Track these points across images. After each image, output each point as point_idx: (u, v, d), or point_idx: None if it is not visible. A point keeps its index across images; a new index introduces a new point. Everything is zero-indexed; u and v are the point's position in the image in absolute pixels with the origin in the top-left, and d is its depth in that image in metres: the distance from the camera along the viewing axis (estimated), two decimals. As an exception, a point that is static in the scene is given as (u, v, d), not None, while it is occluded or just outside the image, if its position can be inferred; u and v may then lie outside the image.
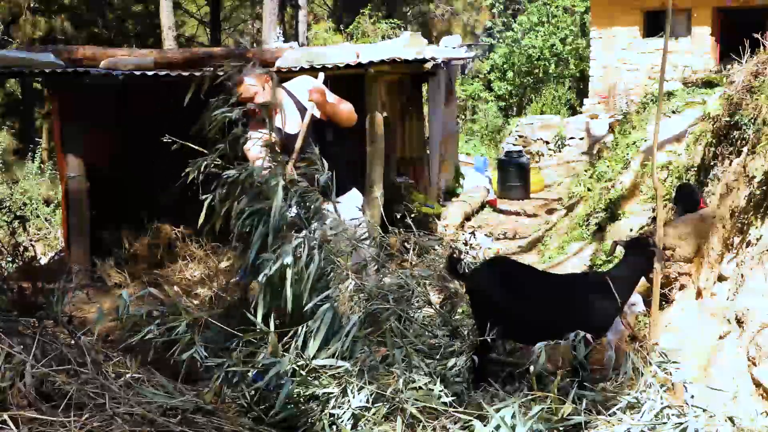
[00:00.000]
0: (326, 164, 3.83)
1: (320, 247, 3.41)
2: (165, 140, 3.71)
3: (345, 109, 4.31)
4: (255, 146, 3.91)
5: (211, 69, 3.87)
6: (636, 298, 4.02)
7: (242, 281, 4.19)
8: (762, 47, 5.46)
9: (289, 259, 3.25)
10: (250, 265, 3.49)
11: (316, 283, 3.39)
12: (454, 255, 4.02)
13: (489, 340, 3.23)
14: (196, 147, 3.72)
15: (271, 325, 3.20)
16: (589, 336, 2.98)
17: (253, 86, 4.07)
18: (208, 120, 3.60)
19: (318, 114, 4.21)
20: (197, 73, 4.19)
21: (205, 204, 3.68)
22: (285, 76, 6.61)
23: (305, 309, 3.25)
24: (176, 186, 3.83)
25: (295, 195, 3.61)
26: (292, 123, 4.20)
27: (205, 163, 3.67)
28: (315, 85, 4.18)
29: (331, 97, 4.26)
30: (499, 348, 3.78)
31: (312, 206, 3.67)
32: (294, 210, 3.61)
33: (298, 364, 3.06)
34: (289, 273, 3.25)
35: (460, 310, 4.06)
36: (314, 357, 3.11)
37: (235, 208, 3.58)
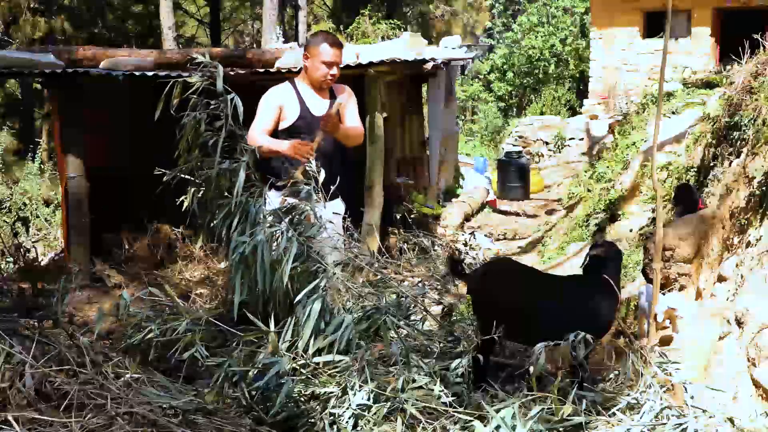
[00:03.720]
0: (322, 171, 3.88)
1: (303, 243, 3.41)
2: (158, 173, 3.68)
3: (354, 134, 4.33)
4: (253, 130, 4.04)
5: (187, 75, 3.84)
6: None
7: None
8: (762, 48, 5.46)
9: (261, 237, 3.28)
10: (230, 253, 3.49)
11: (305, 279, 3.40)
12: (455, 256, 4.03)
13: (490, 340, 3.23)
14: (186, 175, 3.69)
15: (271, 325, 3.20)
16: (589, 336, 2.98)
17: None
18: (179, 129, 3.59)
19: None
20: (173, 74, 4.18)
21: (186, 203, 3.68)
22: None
23: (295, 301, 3.25)
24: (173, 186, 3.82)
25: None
26: (320, 106, 4.24)
27: (181, 173, 3.65)
28: (328, 113, 4.13)
29: (351, 120, 4.29)
30: (500, 349, 3.78)
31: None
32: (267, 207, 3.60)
33: (299, 363, 3.06)
34: (260, 250, 3.27)
35: (459, 310, 4.07)
36: (307, 348, 3.12)
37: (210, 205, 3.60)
